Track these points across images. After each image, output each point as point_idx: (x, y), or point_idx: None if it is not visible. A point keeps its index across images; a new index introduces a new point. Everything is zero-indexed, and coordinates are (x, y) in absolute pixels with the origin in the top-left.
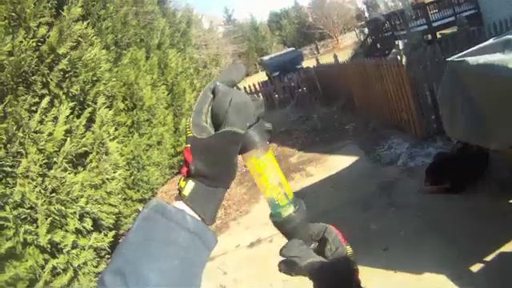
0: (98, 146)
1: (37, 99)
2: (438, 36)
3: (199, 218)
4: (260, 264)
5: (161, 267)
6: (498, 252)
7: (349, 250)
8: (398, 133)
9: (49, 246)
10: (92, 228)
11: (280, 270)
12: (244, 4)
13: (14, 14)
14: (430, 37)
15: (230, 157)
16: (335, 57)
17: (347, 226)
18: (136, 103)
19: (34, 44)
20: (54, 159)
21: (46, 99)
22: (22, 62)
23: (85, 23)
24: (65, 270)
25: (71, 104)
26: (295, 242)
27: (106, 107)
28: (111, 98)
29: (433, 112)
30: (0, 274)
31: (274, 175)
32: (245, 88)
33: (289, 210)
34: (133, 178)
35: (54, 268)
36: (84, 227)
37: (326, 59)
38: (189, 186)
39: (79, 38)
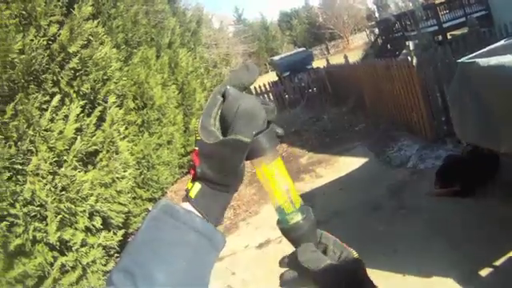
0: (108, 145)
1: (47, 97)
2: (449, 37)
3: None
4: (269, 265)
5: (169, 267)
6: (507, 256)
7: (353, 252)
8: (408, 134)
9: (58, 243)
10: (101, 226)
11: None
12: (254, 4)
13: (24, 12)
14: (440, 38)
15: (236, 164)
16: (346, 57)
17: (356, 228)
18: (146, 102)
19: (45, 42)
20: (65, 157)
21: (57, 97)
22: (33, 61)
23: (95, 22)
24: (73, 268)
25: (82, 102)
26: (308, 246)
27: (117, 106)
28: (122, 96)
29: (443, 114)
30: (9, 270)
31: (282, 182)
32: (255, 88)
33: (296, 218)
34: (143, 177)
35: (63, 265)
36: (93, 225)
37: (336, 60)
38: (195, 188)
39: (90, 37)
